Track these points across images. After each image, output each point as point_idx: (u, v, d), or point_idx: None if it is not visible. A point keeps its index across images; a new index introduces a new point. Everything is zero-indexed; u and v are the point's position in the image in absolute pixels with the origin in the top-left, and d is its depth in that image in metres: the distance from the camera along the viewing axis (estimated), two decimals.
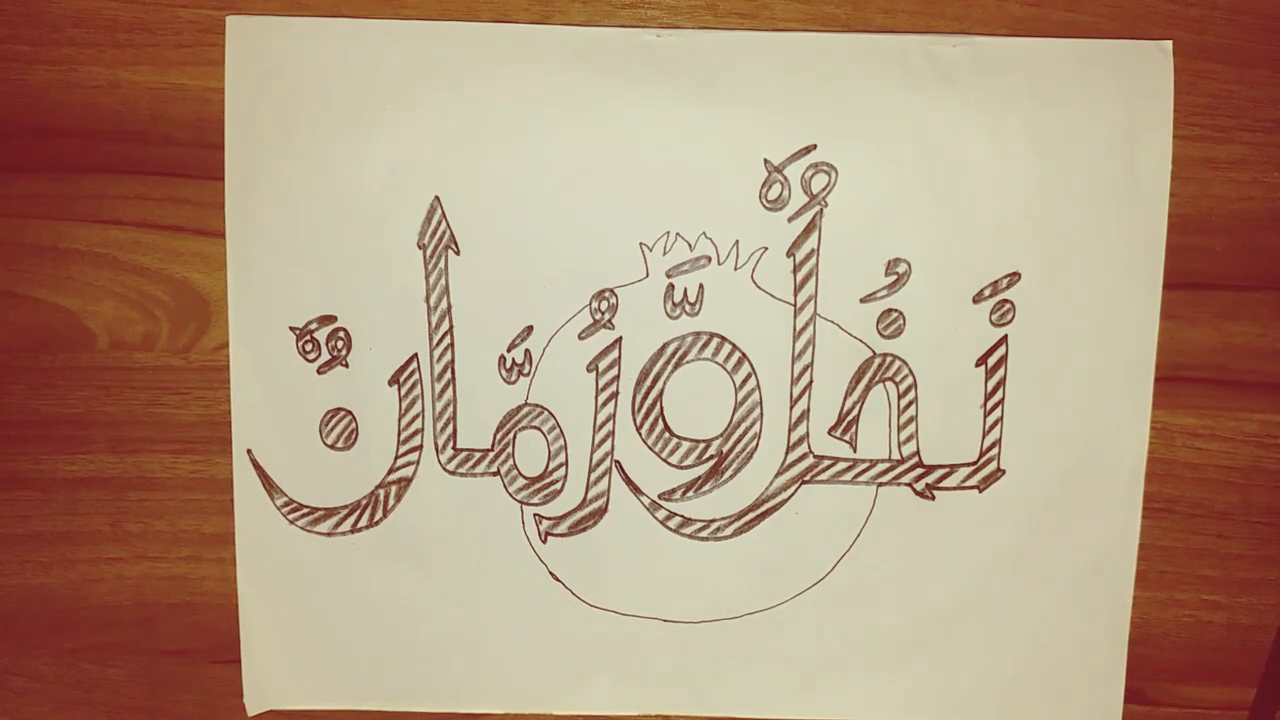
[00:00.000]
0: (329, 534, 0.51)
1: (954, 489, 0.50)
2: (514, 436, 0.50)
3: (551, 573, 0.51)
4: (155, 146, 0.49)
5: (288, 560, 0.51)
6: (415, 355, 0.50)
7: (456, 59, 0.48)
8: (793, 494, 0.51)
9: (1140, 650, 0.53)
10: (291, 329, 0.50)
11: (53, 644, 0.53)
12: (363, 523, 0.51)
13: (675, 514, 0.51)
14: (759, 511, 0.51)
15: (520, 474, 0.51)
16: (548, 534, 0.51)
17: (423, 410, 0.50)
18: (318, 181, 0.48)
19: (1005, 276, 0.49)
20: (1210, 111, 0.49)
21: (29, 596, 0.52)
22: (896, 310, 0.50)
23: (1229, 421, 0.52)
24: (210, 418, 0.51)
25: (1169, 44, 0.48)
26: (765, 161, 0.48)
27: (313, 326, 0.50)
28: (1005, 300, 0.49)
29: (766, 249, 0.49)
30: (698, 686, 0.52)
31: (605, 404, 0.50)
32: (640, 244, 0.49)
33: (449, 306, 0.49)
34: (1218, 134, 0.50)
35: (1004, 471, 0.51)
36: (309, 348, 0.50)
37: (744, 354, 0.50)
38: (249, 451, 0.51)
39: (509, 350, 0.50)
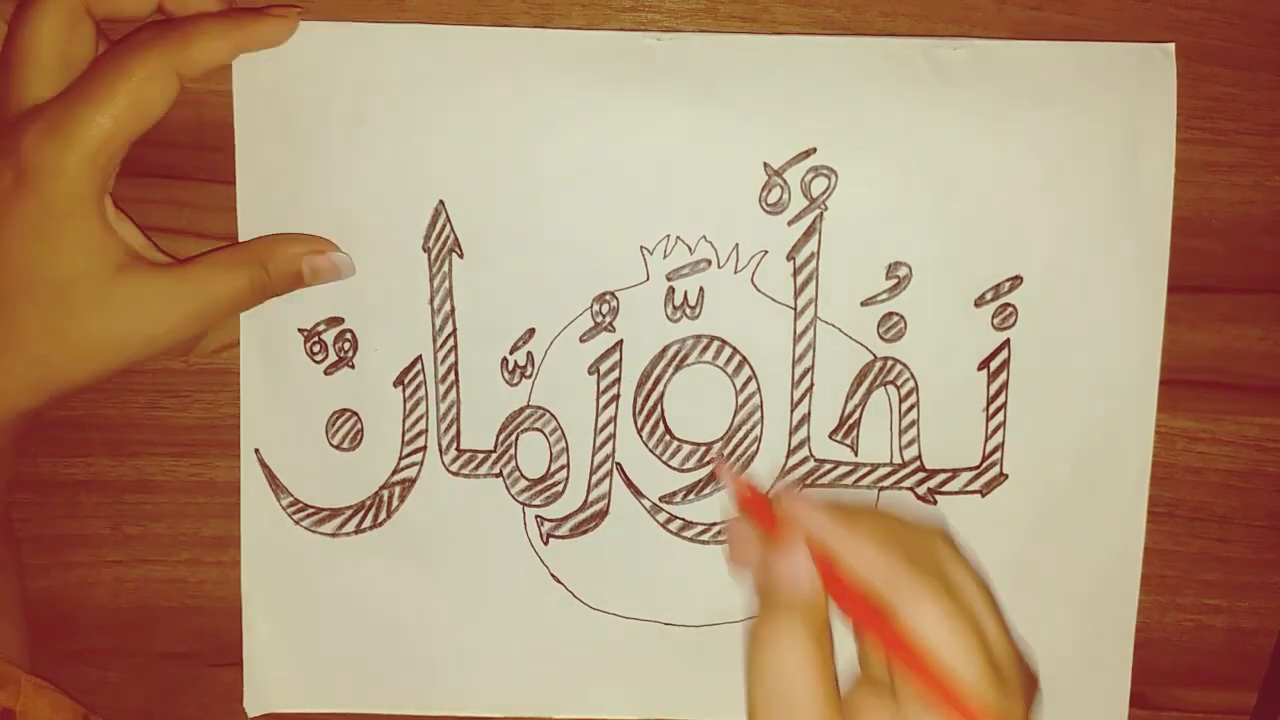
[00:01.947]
0: (333, 535, 0.52)
1: (956, 493, 0.52)
2: (516, 438, 0.51)
3: (553, 574, 0.52)
4: (156, 149, 0.49)
5: (291, 561, 0.52)
6: (420, 357, 0.51)
7: (458, 63, 0.49)
8: None
9: (1142, 654, 0.53)
10: (300, 330, 0.51)
11: (51, 647, 0.53)
12: (366, 523, 0.52)
13: (676, 517, 0.52)
14: None
15: (522, 475, 0.52)
16: (549, 536, 0.52)
17: (427, 411, 0.51)
18: (325, 185, 0.50)
19: (1007, 280, 0.50)
20: (1211, 115, 0.50)
21: (27, 600, 0.53)
22: (897, 314, 0.51)
23: (1230, 425, 0.53)
24: (210, 421, 0.52)
25: (1171, 46, 0.49)
26: (765, 165, 0.49)
27: (320, 328, 0.51)
28: (1007, 304, 0.50)
29: (767, 252, 0.50)
30: (698, 691, 0.53)
31: (606, 406, 0.51)
32: (641, 247, 0.50)
33: (452, 309, 0.50)
34: (1219, 137, 0.51)
35: (1006, 476, 0.52)
36: (316, 349, 0.51)
37: (744, 357, 0.51)
38: (256, 451, 0.52)
39: (511, 352, 0.51)
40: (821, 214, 0.50)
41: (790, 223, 0.50)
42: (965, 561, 0.39)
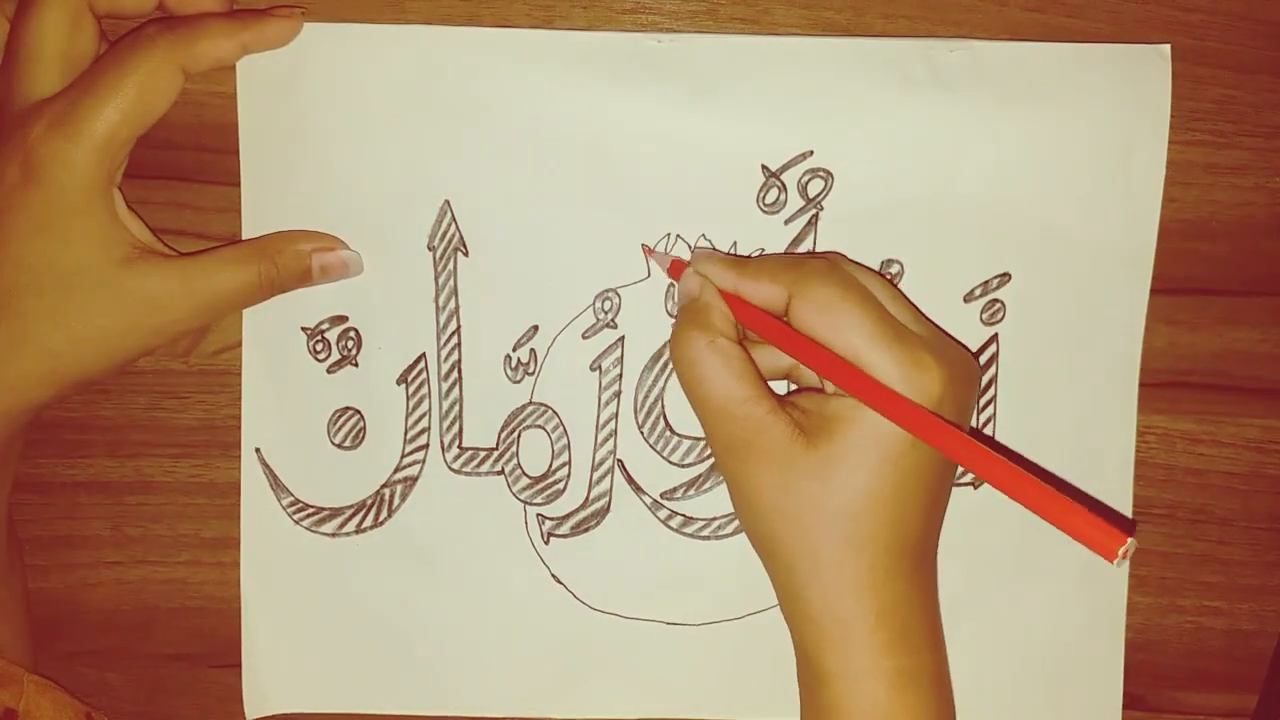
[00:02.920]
0: (333, 535, 0.53)
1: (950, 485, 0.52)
2: (518, 435, 0.52)
3: (553, 574, 0.53)
4: (156, 150, 0.51)
5: (291, 561, 0.53)
6: (424, 355, 0.52)
7: (460, 64, 0.50)
8: None
9: (1141, 656, 0.54)
10: (303, 329, 0.52)
11: (51, 648, 0.54)
12: (367, 523, 0.53)
13: (677, 513, 0.53)
14: None
15: (524, 473, 0.53)
16: (550, 535, 0.53)
17: (430, 409, 0.52)
18: (329, 185, 0.51)
19: (996, 277, 0.51)
20: (1211, 116, 0.51)
21: (28, 601, 0.53)
22: None
23: (1230, 427, 0.54)
24: (210, 421, 0.53)
25: (1167, 48, 0.50)
26: (763, 167, 0.51)
27: (324, 326, 0.52)
28: (995, 300, 0.52)
29: (764, 250, 0.51)
30: (700, 689, 0.54)
31: (608, 403, 0.52)
32: (642, 245, 0.51)
33: (457, 306, 0.52)
34: (1219, 139, 0.52)
35: None
36: (319, 347, 0.52)
37: None
38: (257, 450, 0.53)
39: (514, 349, 0.52)
40: (817, 214, 0.51)
41: (787, 222, 0.51)
42: (856, 263, 0.48)
